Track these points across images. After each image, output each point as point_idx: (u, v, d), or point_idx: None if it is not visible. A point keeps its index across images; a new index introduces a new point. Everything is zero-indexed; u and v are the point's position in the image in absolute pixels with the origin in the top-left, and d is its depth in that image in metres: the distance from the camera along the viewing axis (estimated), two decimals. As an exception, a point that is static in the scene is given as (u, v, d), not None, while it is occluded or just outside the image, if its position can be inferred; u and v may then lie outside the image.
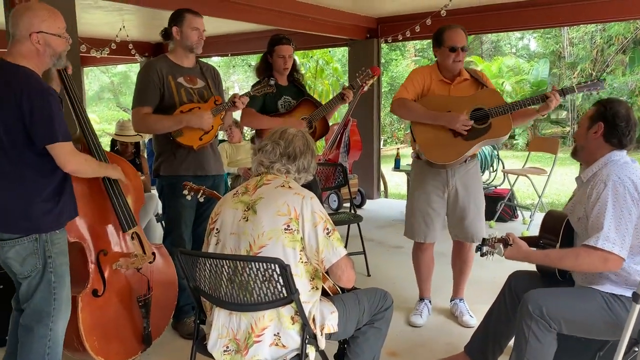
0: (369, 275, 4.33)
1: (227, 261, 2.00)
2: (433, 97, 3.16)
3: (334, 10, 6.15)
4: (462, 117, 2.99)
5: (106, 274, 2.63)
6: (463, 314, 3.41)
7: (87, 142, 2.59)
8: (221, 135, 6.96)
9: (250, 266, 1.95)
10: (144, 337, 2.77)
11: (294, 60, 3.64)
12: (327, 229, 2.02)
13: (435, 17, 5.68)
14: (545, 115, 3.40)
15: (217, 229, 2.14)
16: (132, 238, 2.76)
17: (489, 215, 6.09)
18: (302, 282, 2.02)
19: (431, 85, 3.19)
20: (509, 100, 3.36)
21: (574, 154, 2.42)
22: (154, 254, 2.86)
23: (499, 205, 5.99)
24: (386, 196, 7.87)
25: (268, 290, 1.96)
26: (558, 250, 2.32)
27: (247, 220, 2.04)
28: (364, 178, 7.31)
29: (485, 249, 2.18)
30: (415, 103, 3.14)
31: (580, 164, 2.49)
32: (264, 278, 1.94)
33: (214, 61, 16.31)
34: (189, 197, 2.74)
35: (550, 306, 2.15)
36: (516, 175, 6.07)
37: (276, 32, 3.70)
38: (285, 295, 1.94)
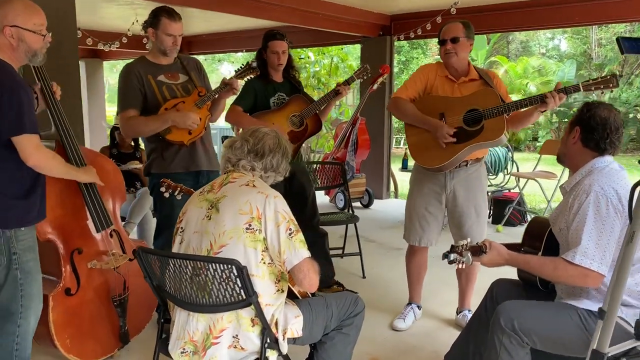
0: (364, 277, 4.24)
1: (188, 261, 1.96)
2: (430, 97, 3.06)
3: (346, 7, 6.06)
4: (445, 129, 2.89)
5: (80, 273, 2.59)
6: None
7: (61, 141, 2.53)
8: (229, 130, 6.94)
9: (207, 267, 1.90)
10: (121, 335, 2.75)
11: (289, 57, 3.57)
12: (290, 229, 1.95)
13: (446, 15, 5.56)
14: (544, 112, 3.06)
15: (181, 228, 2.10)
16: (111, 236, 2.74)
17: (498, 219, 5.95)
18: (264, 283, 1.96)
19: (435, 81, 3.07)
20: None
21: (559, 160, 2.30)
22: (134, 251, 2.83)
23: (508, 209, 5.83)
24: (396, 196, 7.75)
25: (226, 292, 1.91)
26: (540, 258, 2.20)
27: (209, 219, 2.00)
28: (373, 177, 7.20)
29: (452, 256, 2.05)
30: (408, 103, 3.05)
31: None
32: (222, 279, 1.89)
33: (237, 57, 16.25)
34: (166, 195, 2.71)
35: (523, 320, 2.04)
36: (526, 179, 5.91)
37: (271, 28, 3.62)
38: (244, 297, 1.90)
